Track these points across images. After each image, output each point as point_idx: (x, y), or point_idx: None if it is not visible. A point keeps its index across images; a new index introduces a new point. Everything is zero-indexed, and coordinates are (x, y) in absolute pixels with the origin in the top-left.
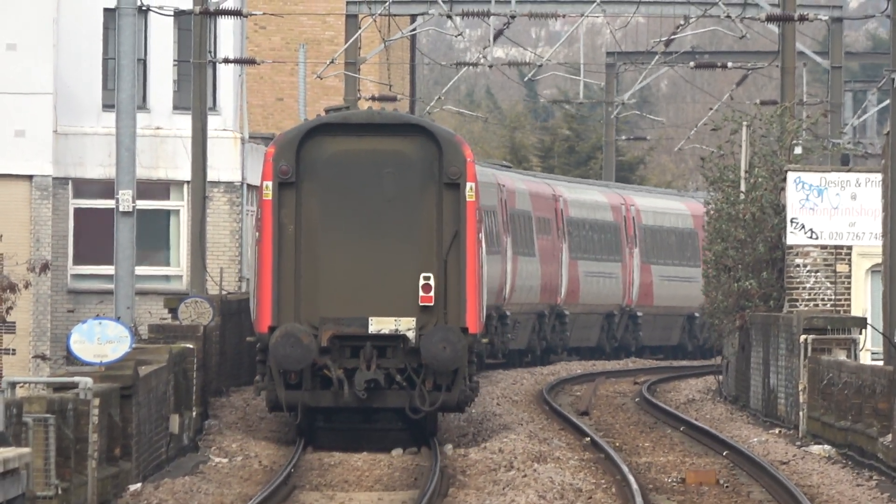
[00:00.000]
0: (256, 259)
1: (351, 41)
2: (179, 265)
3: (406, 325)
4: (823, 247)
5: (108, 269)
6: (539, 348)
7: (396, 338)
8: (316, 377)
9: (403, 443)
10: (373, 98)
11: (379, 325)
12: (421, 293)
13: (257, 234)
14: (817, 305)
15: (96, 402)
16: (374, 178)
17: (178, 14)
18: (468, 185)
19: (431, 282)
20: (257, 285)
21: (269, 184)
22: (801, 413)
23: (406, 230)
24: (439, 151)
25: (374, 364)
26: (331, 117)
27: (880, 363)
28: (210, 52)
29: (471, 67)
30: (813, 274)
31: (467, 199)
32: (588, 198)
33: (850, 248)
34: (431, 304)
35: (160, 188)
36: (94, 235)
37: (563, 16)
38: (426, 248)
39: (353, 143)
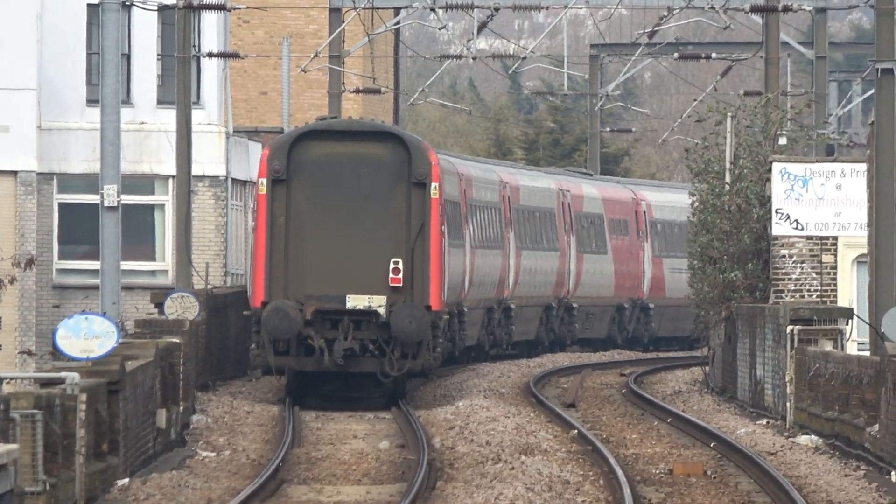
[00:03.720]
0: (252, 245)
1: (334, 35)
2: (165, 260)
3: (378, 303)
4: (809, 237)
5: (93, 264)
6: (620, 338)
7: (370, 313)
8: (301, 345)
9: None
10: (357, 91)
11: (355, 301)
12: (391, 275)
13: (253, 223)
14: (803, 296)
15: (83, 397)
16: (353, 177)
17: (162, 9)
18: (433, 184)
19: (400, 266)
20: (252, 267)
21: (264, 181)
22: (788, 404)
23: (379, 222)
24: (409, 155)
25: (350, 335)
26: (317, 125)
27: (867, 353)
28: (194, 46)
29: (454, 60)
30: (798, 265)
31: (432, 197)
32: (678, 200)
33: (835, 238)
34: (400, 284)
35: (145, 183)
36: (79, 230)
37: (547, 7)
38: (396, 237)
39: (336, 147)
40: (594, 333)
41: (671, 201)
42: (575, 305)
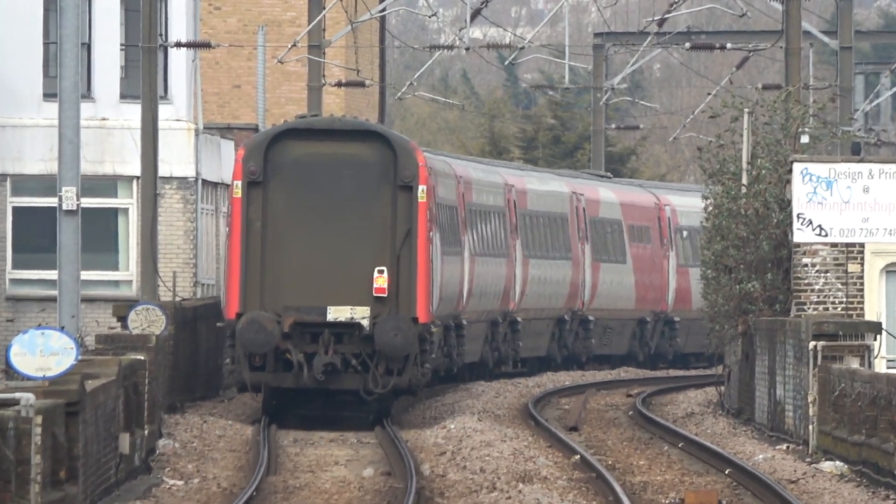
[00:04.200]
0: (226, 252)
1: (315, 22)
2: (129, 269)
3: (361, 314)
4: (833, 245)
5: (50, 274)
6: (643, 353)
7: (352, 325)
8: (279, 360)
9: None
10: (339, 84)
11: (336, 313)
12: (375, 285)
13: (227, 229)
14: (827, 309)
15: (39, 420)
16: (335, 179)
17: None
18: (420, 187)
19: (385, 275)
20: (226, 275)
21: (239, 183)
22: (810, 427)
23: (363, 227)
24: (394, 156)
25: (331, 349)
26: (296, 123)
27: None
28: (160, 35)
29: (445, 51)
30: (822, 274)
31: (419, 201)
32: None
33: (862, 245)
34: (385, 295)
35: (107, 185)
36: (35, 237)
37: None
38: (381, 244)
39: (316, 147)
40: (613, 349)
41: (698, 206)
42: (591, 319)
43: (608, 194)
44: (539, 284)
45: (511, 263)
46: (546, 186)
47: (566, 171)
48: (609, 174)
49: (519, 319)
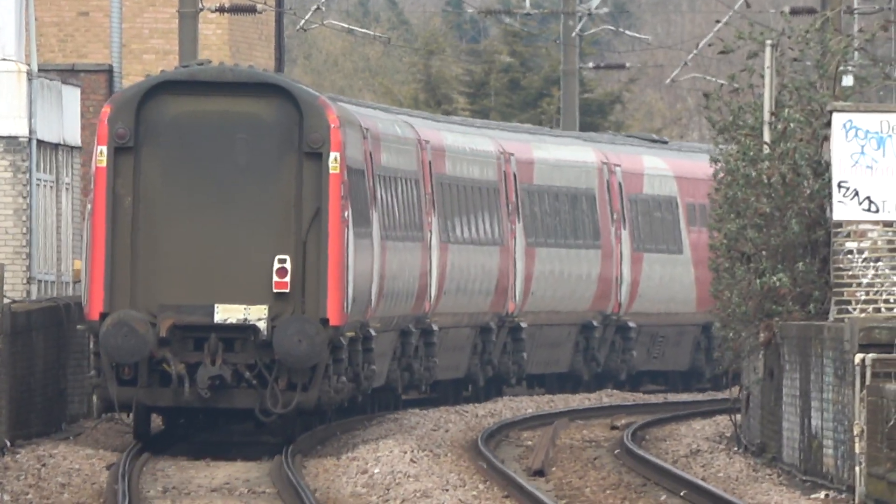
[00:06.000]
0: (87, 236)
1: None
2: None
3: (257, 315)
4: (887, 224)
5: None
6: (709, 370)
7: (246, 329)
8: (154, 372)
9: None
10: (221, 10)
11: (226, 313)
12: (275, 278)
13: (89, 206)
14: (879, 310)
15: None
16: (225, 144)
17: None
18: (332, 154)
19: (288, 265)
20: (88, 266)
21: (104, 149)
22: (857, 468)
23: (260, 205)
24: (300, 115)
25: (219, 358)
26: (176, 73)
27: None
28: None
29: None
30: (871, 263)
31: (331, 171)
32: None
33: None
34: (287, 290)
35: None
36: None
37: None
38: (283, 227)
39: (202, 104)
40: (666, 364)
41: None
42: (632, 325)
43: (657, 164)
44: (550, 280)
45: (507, 253)
46: (562, 155)
47: (596, 133)
48: (665, 139)
49: (522, 325)
